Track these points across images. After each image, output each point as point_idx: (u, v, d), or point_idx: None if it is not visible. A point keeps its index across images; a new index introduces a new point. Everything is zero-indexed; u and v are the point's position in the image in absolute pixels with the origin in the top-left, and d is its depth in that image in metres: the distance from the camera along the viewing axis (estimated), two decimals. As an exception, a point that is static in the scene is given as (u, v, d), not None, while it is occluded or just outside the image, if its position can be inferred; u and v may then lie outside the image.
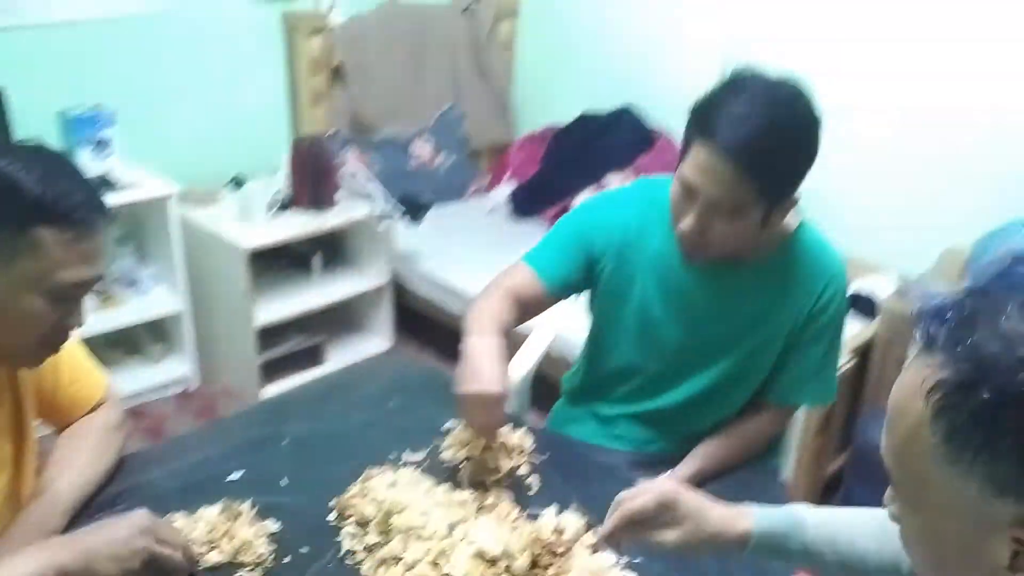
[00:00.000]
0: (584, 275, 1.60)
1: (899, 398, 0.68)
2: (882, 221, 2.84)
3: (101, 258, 1.10)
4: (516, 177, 3.73)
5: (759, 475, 1.65)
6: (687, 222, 1.39)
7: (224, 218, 2.94)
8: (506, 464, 1.41)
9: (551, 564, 1.18)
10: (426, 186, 3.59)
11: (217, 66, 3.18)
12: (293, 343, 3.09)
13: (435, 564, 1.13)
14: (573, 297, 1.64)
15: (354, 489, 1.32)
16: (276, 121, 3.46)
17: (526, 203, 3.53)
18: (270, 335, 3.01)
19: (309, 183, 3.08)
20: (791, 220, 1.49)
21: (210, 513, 1.25)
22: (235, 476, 1.37)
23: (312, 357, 3.09)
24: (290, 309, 2.99)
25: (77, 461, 1.29)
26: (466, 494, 1.32)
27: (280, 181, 3.16)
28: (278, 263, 3.19)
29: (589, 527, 1.24)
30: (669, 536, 1.02)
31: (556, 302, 1.62)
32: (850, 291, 2.56)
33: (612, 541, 1.07)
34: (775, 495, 1.59)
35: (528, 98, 3.97)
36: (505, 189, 3.67)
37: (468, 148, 3.89)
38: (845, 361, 2.24)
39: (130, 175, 2.75)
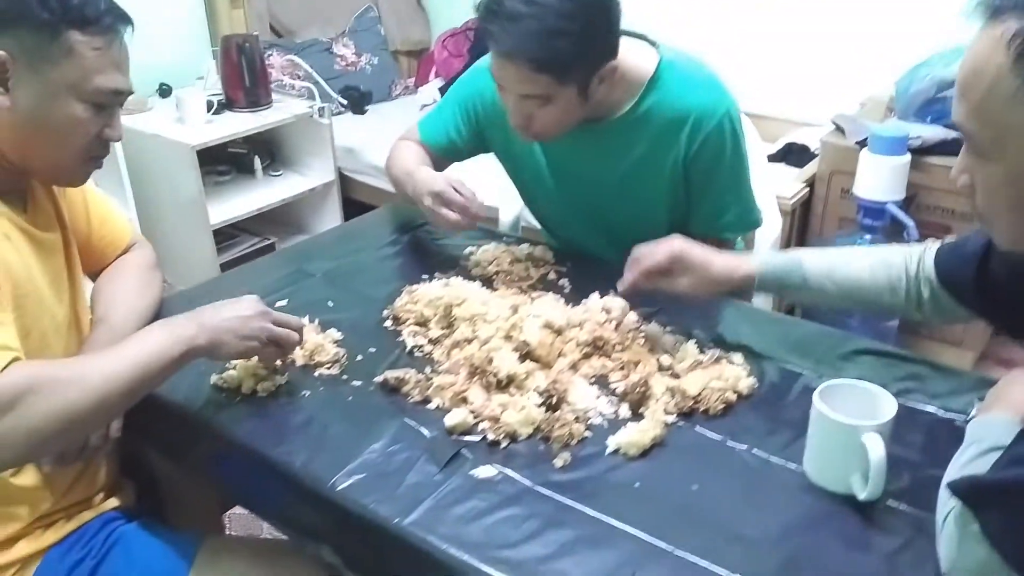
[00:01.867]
0: (473, 141, 1.64)
1: (974, 63, 0.79)
2: (806, 82, 3.02)
3: (128, 70, 1.13)
4: (442, 74, 3.74)
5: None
6: (510, 114, 1.40)
7: (162, 124, 2.86)
8: (535, 272, 1.50)
9: (610, 339, 1.27)
10: (358, 84, 3.58)
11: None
12: (248, 244, 3.06)
13: (508, 337, 1.22)
14: (471, 158, 1.71)
15: (404, 298, 1.38)
16: (195, 27, 3.36)
17: (458, 96, 3.56)
18: (220, 239, 2.97)
19: (243, 83, 3.02)
20: (645, 66, 1.44)
21: (274, 326, 1.29)
22: (283, 303, 1.41)
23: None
24: (240, 209, 2.95)
25: (126, 296, 1.30)
26: (511, 292, 1.40)
27: (211, 85, 3.10)
28: (217, 170, 3.14)
29: (631, 308, 1.34)
30: (681, 283, 1.25)
31: (451, 162, 1.70)
32: (785, 142, 2.75)
33: (631, 290, 1.27)
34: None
35: (444, -3, 3.97)
36: (434, 85, 3.69)
37: (388, 49, 3.88)
38: (794, 192, 2.41)
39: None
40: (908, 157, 2.25)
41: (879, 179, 2.26)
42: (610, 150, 1.49)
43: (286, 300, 1.42)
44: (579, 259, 1.57)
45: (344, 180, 3.24)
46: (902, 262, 1.15)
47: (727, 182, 1.52)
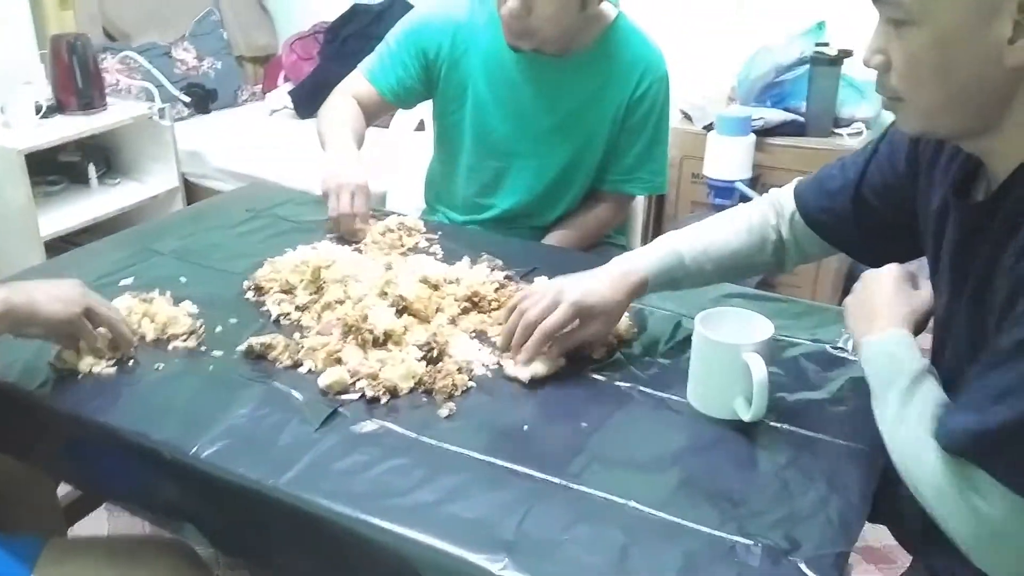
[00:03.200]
0: (423, 80, 1.65)
1: None
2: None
3: None
4: (292, 78, 3.63)
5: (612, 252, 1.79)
6: (511, 3, 1.42)
7: (-18, 129, 2.62)
8: (409, 241, 1.45)
9: (487, 295, 1.23)
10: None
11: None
12: (84, 257, 2.84)
13: (383, 295, 1.16)
14: (419, 102, 1.73)
15: (267, 268, 1.29)
16: (20, 31, 3.10)
17: (308, 100, 3.45)
18: (52, 254, 2.74)
19: (75, 85, 2.81)
20: (608, 11, 1.58)
21: (122, 301, 1.18)
22: (127, 281, 1.29)
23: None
24: (74, 220, 2.73)
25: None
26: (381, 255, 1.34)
27: (40, 89, 2.87)
28: (47, 180, 2.90)
29: (502, 269, 1.31)
30: (590, 331, 1.09)
31: (399, 108, 1.78)
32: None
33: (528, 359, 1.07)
34: None
35: (288, 2, 3.86)
36: (283, 90, 3.57)
37: (232, 54, 3.73)
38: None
39: None
40: (752, 138, 2.35)
41: (726, 159, 2.35)
42: (565, 83, 1.58)
43: (132, 278, 1.30)
44: (449, 227, 1.53)
45: (189, 187, 3.07)
46: (761, 214, 1.14)
47: (653, 136, 1.65)
